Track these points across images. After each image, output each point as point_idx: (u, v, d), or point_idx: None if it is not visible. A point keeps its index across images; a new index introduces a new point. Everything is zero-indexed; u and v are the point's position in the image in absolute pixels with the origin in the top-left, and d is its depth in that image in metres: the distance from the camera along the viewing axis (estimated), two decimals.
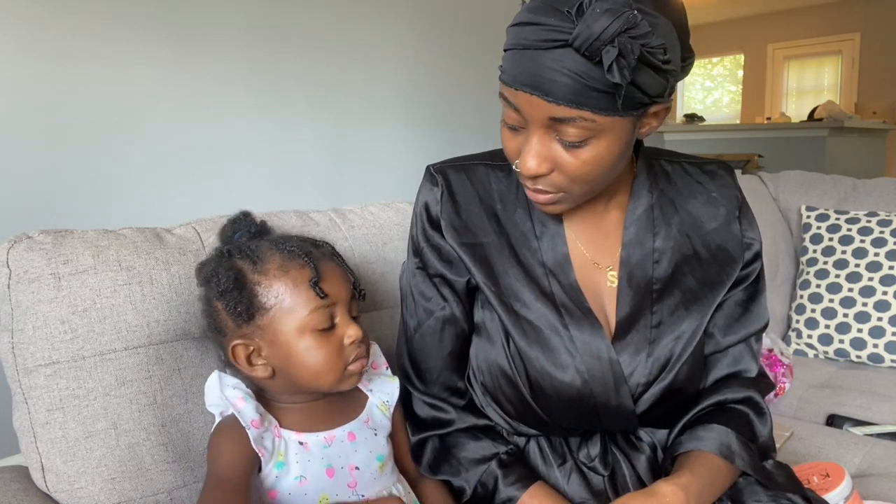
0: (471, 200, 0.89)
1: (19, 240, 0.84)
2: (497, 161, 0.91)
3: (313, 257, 0.81)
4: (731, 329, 0.91)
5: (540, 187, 0.78)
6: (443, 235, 0.88)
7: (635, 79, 0.68)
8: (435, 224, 0.88)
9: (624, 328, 0.85)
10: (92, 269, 0.85)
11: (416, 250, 0.91)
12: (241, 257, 0.81)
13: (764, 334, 1.72)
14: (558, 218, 0.88)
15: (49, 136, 2.01)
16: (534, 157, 0.74)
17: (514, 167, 0.79)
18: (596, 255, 0.88)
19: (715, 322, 0.90)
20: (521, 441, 0.92)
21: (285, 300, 0.78)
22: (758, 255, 0.92)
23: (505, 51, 0.73)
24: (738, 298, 0.91)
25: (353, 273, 0.85)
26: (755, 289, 0.92)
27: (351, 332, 0.80)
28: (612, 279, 0.88)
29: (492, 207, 0.89)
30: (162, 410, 0.87)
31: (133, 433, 0.85)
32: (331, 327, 0.80)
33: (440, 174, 0.90)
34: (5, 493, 0.81)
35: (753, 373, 0.92)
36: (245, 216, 0.88)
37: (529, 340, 0.84)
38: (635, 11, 0.65)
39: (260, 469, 0.78)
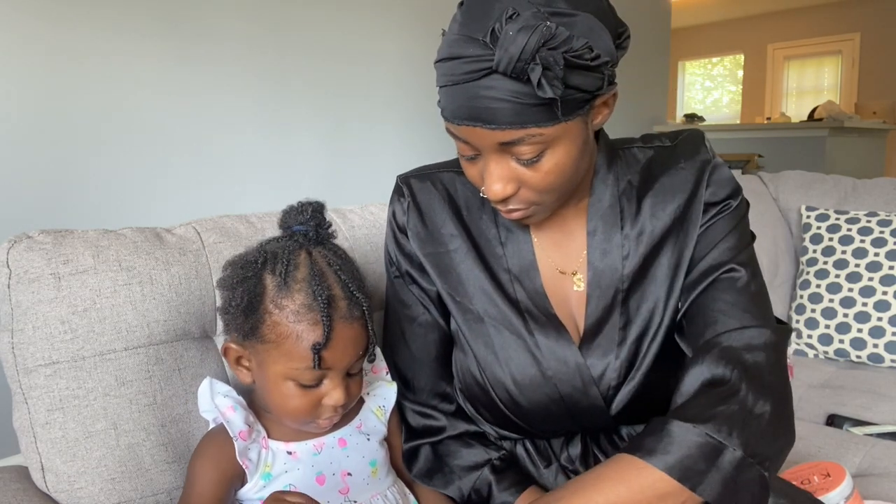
0: (436, 208, 0.89)
1: (19, 240, 0.84)
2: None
3: (334, 317, 0.75)
4: (697, 282, 0.82)
5: (511, 207, 0.77)
6: (411, 244, 0.89)
7: (569, 83, 0.67)
8: (404, 233, 0.89)
9: (592, 332, 0.84)
10: (92, 269, 0.85)
11: (391, 260, 0.92)
12: (272, 273, 0.76)
13: None
14: (524, 224, 0.87)
15: (49, 135, 2.01)
16: (496, 181, 0.74)
17: (481, 194, 0.78)
18: (562, 259, 0.87)
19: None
20: (508, 445, 0.92)
21: (284, 345, 0.75)
22: (723, 207, 0.83)
23: (439, 87, 0.73)
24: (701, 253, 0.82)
25: (374, 336, 0.80)
26: (725, 229, 0.82)
27: (334, 397, 0.77)
28: (578, 283, 0.87)
29: (458, 214, 0.89)
30: (162, 410, 0.87)
31: (133, 433, 0.85)
32: (317, 385, 0.77)
33: (405, 184, 0.90)
34: (5, 493, 0.81)
35: (722, 326, 0.78)
36: (314, 212, 0.80)
37: (495, 347, 0.85)
38: (548, 22, 0.64)
39: (246, 481, 0.79)
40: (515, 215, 0.78)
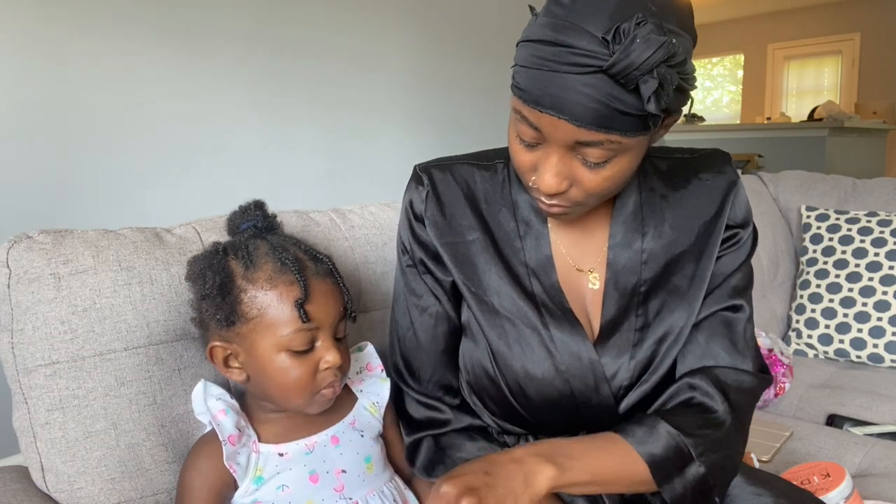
0: (455, 200, 0.89)
1: (19, 240, 0.84)
2: (483, 161, 0.92)
3: (307, 273, 0.77)
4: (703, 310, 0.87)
5: (555, 202, 0.77)
6: (428, 233, 0.88)
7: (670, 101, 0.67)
8: (420, 222, 0.89)
9: (607, 331, 0.85)
10: (92, 269, 0.85)
11: (404, 248, 0.91)
12: (235, 257, 0.78)
13: (764, 334, 1.72)
14: (543, 219, 0.88)
15: (49, 135, 2.01)
16: (554, 175, 0.73)
17: (530, 184, 0.78)
18: (579, 257, 0.88)
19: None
20: (510, 440, 0.92)
21: (267, 315, 0.76)
22: (738, 234, 0.88)
23: (521, 66, 0.70)
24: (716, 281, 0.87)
25: (348, 293, 0.82)
26: (736, 262, 0.87)
27: (329, 358, 0.77)
28: (593, 281, 0.87)
29: (476, 206, 0.89)
30: (162, 410, 0.87)
31: (133, 433, 0.85)
32: (310, 349, 0.77)
33: (425, 174, 0.90)
34: (5, 493, 0.81)
35: (721, 361, 0.85)
36: (257, 207, 0.84)
37: (510, 339, 0.85)
38: (674, 40, 0.64)
39: (238, 487, 0.79)
40: (555, 210, 0.78)
